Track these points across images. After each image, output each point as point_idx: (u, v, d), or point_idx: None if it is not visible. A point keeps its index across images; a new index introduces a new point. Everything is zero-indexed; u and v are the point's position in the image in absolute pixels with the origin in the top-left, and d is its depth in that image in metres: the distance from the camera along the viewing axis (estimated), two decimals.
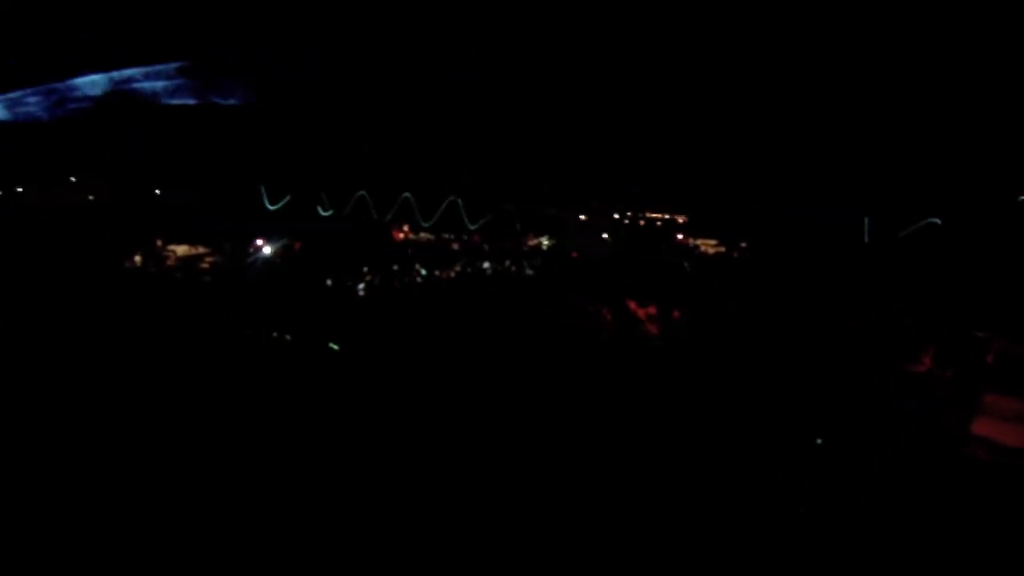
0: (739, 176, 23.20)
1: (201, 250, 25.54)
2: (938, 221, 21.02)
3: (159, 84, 23.35)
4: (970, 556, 8.76)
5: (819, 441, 11.76)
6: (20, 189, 26.04)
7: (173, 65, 23.24)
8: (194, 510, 9.15)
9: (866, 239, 22.14)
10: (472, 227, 24.98)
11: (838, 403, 12.81)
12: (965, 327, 15.56)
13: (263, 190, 25.38)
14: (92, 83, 23.59)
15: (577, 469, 10.61)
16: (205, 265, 25.19)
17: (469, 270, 24.27)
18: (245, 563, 8.37)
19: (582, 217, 24.63)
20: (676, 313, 19.52)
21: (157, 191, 26.26)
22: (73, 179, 24.41)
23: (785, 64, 22.00)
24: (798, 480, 10.40)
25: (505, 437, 11.61)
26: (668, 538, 9.08)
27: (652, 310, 19.51)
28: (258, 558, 8.44)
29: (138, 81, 23.31)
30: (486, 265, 24.44)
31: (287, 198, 25.32)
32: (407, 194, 24.81)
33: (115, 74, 23.29)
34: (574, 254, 24.57)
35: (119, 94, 23.39)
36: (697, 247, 23.79)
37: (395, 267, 24.13)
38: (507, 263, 24.69)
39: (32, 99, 23.65)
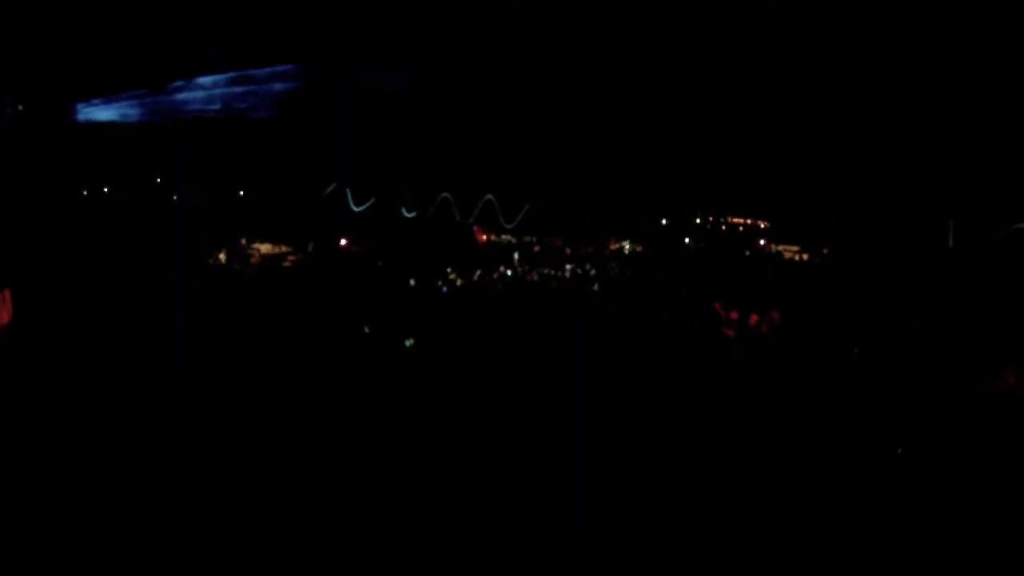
0: (819, 181, 23.45)
1: (284, 249, 26.21)
2: None
3: (276, 86, 24.17)
4: None
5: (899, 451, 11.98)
6: (107, 190, 26.90)
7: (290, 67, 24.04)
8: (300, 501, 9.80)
9: (950, 243, 22.33)
10: (552, 230, 25.50)
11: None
12: None
13: (348, 192, 26.04)
14: (203, 86, 24.50)
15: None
16: (287, 264, 25.85)
17: (551, 272, 24.78)
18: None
19: (663, 222, 25.09)
20: (755, 318, 19.80)
21: (241, 192, 27.00)
22: (172, 181, 25.23)
23: (863, 72, 22.30)
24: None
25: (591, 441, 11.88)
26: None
27: (734, 315, 19.81)
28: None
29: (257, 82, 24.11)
30: (568, 267, 24.95)
31: (372, 200, 25.96)
32: (490, 196, 25.37)
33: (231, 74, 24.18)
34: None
35: (225, 98, 24.24)
36: (780, 253, 24.07)
37: (478, 269, 24.73)
38: (587, 267, 25.17)
39: (140, 102, 24.57)
